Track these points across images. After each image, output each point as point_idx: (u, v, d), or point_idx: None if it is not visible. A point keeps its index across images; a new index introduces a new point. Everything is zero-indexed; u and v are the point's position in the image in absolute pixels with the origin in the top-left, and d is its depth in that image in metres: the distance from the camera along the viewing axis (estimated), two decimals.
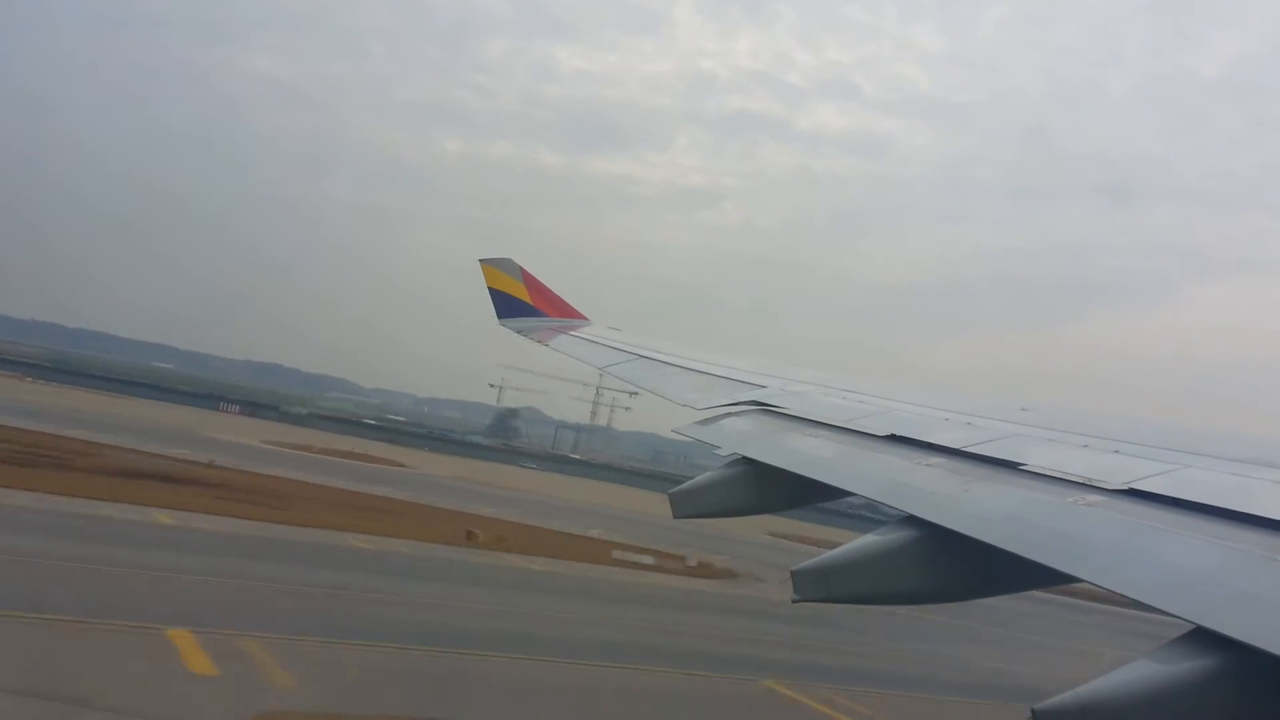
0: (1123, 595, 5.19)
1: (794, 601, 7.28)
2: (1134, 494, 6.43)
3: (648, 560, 54.48)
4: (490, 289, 21.66)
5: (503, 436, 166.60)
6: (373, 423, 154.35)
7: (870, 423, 9.72)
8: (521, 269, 21.59)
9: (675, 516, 10.32)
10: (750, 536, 71.21)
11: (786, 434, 10.22)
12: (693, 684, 30.94)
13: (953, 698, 34.47)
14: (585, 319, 21.29)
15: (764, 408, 11.25)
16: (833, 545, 7.35)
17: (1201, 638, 4.58)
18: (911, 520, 6.93)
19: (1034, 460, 7.53)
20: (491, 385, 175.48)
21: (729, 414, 11.25)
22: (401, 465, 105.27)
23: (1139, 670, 4.64)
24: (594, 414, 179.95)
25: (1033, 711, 4.59)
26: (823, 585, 6.99)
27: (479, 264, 21.85)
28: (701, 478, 10.15)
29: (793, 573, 7.06)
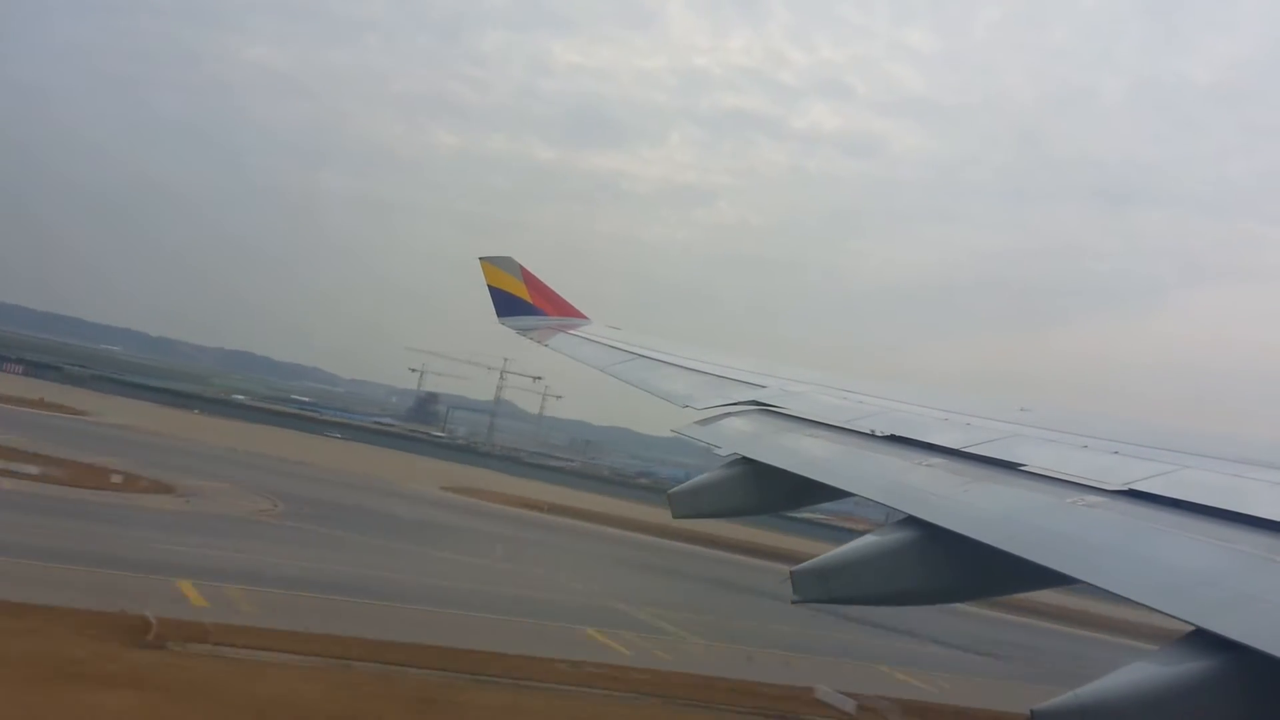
0: (1123, 596, 5.20)
1: (794, 603, 7.29)
2: (1133, 495, 6.44)
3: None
4: (490, 287, 21.63)
5: (422, 422, 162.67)
6: (240, 398, 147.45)
7: (870, 423, 9.72)
8: (522, 267, 21.57)
9: (674, 517, 10.31)
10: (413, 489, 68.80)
11: (786, 434, 10.22)
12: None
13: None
14: (585, 318, 21.27)
15: (764, 408, 11.26)
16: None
17: (1201, 639, 4.59)
18: (911, 521, 6.94)
19: (1033, 461, 7.54)
20: (412, 369, 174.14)
21: (728, 414, 11.26)
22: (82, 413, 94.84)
23: (1138, 672, 4.65)
24: (497, 394, 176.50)
25: (1031, 713, 4.59)
26: (822, 586, 7.00)
27: (479, 262, 21.84)
28: (701, 478, 10.15)
29: (792, 573, 7.06)
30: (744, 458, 9.52)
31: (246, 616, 31.12)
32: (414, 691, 25.99)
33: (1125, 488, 6.49)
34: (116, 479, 56.10)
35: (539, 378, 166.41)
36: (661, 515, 10.83)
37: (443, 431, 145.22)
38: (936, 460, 8.09)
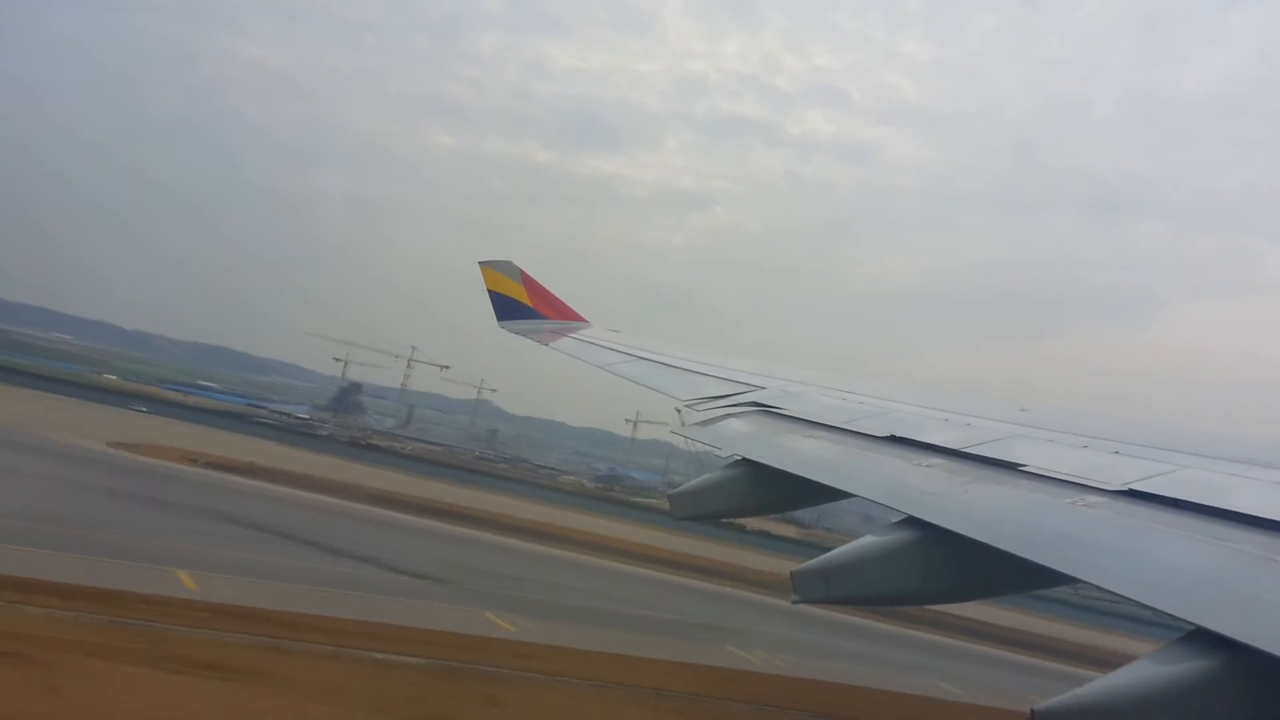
0: (1123, 597, 5.21)
1: (794, 603, 7.29)
2: (1133, 495, 6.45)
3: None
4: (490, 291, 21.67)
5: (344, 411, 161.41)
6: (111, 377, 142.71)
7: (870, 424, 9.73)
8: (521, 271, 21.60)
9: (674, 518, 10.32)
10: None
11: (786, 435, 10.23)
12: None
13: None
14: (585, 321, 21.30)
15: (764, 409, 11.27)
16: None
17: (1201, 638, 4.60)
18: (912, 521, 6.95)
19: (1033, 461, 7.55)
20: (336, 359, 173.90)
21: (728, 415, 11.27)
22: None
23: (1139, 671, 4.65)
24: (405, 381, 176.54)
25: (1032, 712, 4.60)
26: (822, 586, 7.00)
27: (479, 266, 21.88)
28: (701, 479, 10.16)
29: (792, 574, 7.07)
30: (744, 459, 9.53)
31: None
32: None
33: (1125, 488, 6.50)
34: None
35: (446, 366, 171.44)
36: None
37: (307, 415, 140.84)
38: (936, 460, 8.10)
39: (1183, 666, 4.54)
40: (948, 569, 6.75)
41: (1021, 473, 7.39)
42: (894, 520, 7.17)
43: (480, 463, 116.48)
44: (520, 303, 21.35)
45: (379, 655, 21.21)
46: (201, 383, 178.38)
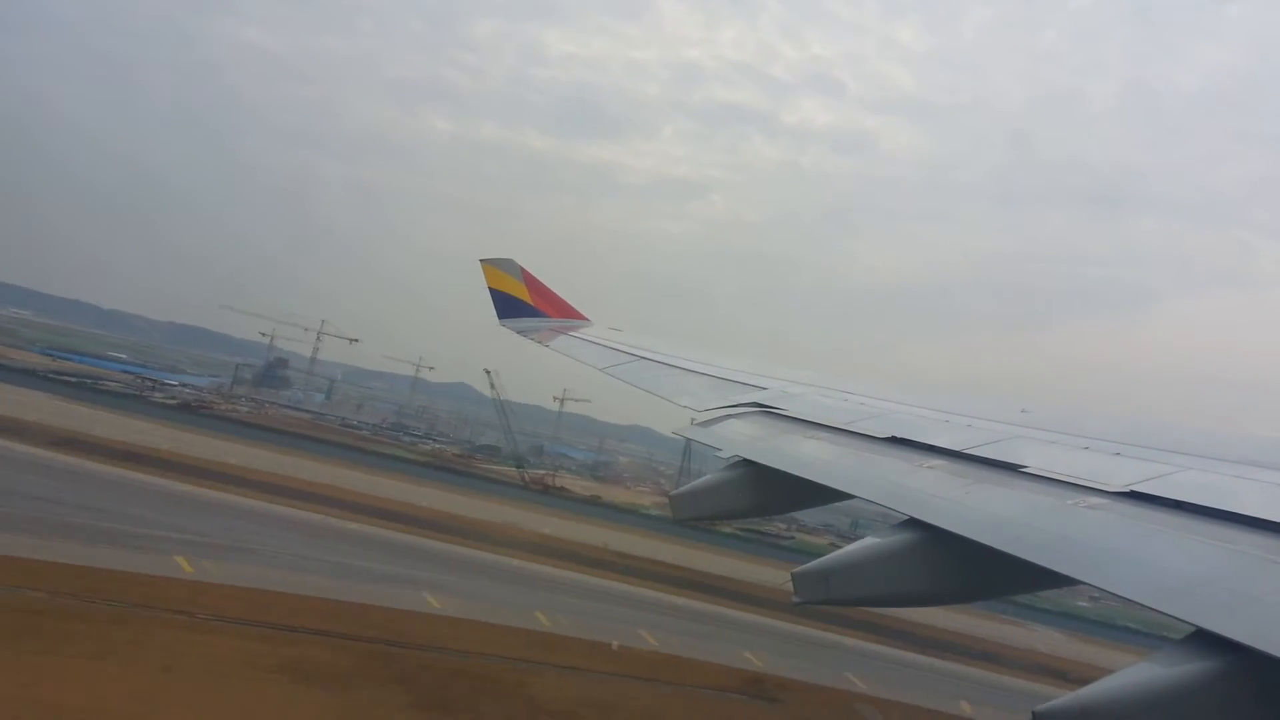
0: (1124, 598, 5.21)
1: (795, 604, 7.29)
2: (1135, 496, 6.45)
3: None
4: (491, 289, 21.66)
5: (271, 386, 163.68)
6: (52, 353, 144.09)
7: (871, 425, 9.73)
8: (522, 269, 21.60)
9: (675, 519, 10.33)
10: None
11: (787, 436, 10.23)
12: None
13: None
14: (586, 319, 21.29)
15: (765, 409, 11.27)
16: None
17: (1202, 640, 4.60)
18: (913, 523, 6.95)
19: (1035, 462, 7.55)
20: (262, 334, 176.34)
21: (729, 416, 11.27)
22: None
23: (1140, 672, 4.65)
24: (314, 352, 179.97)
25: (1033, 714, 4.60)
26: (822, 587, 7.00)
27: (480, 264, 21.87)
28: (702, 480, 10.16)
29: (793, 575, 7.07)
30: (745, 459, 9.53)
31: None
32: None
33: (1126, 489, 6.50)
34: None
35: (356, 340, 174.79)
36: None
37: (203, 387, 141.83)
38: (938, 462, 8.10)
39: (1184, 668, 4.54)
40: (949, 570, 6.75)
41: (1023, 474, 7.39)
42: (895, 522, 7.17)
43: (334, 432, 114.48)
44: (521, 301, 21.34)
45: None
46: (111, 354, 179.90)
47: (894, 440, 9.01)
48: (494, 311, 21.40)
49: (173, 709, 19.57)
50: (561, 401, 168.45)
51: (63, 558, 28.84)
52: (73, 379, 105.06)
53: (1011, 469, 7.55)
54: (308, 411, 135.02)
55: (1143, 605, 4.97)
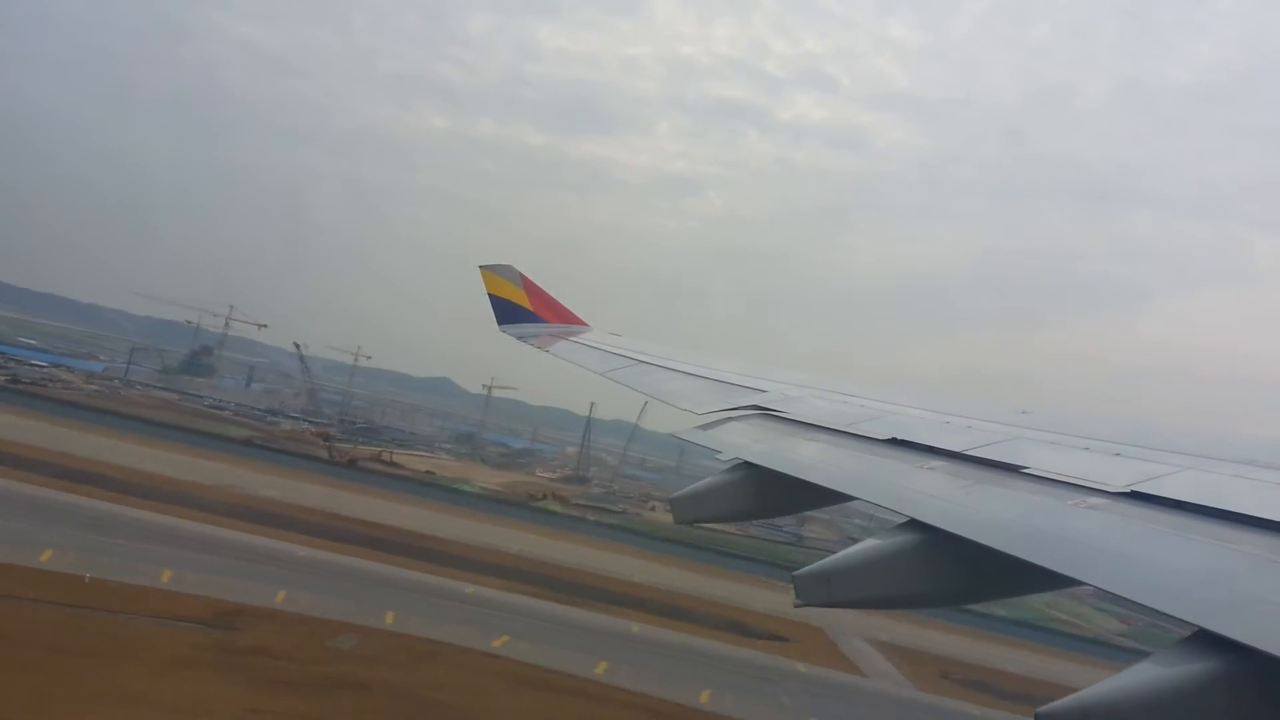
0: (1124, 598, 5.20)
1: (796, 606, 7.28)
2: (1136, 497, 6.45)
3: None
4: (490, 295, 21.67)
5: (196, 374, 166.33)
6: None
7: (871, 427, 9.74)
8: (522, 275, 21.61)
9: (676, 522, 10.31)
10: None
11: (788, 439, 10.23)
12: None
13: None
14: (585, 325, 21.30)
15: (765, 412, 11.28)
16: None
17: (1204, 640, 4.59)
18: (914, 524, 6.94)
19: (1035, 463, 7.55)
20: (188, 322, 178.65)
21: (730, 419, 11.28)
22: None
23: (1142, 673, 4.64)
24: (223, 339, 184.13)
25: (1036, 715, 4.59)
26: (823, 589, 6.99)
27: (479, 270, 21.88)
28: (703, 482, 10.15)
29: (793, 576, 7.05)
30: (745, 462, 9.52)
31: None
32: None
33: (1127, 489, 6.50)
34: None
35: (265, 325, 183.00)
36: None
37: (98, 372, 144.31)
38: (938, 463, 8.10)
39: (1186, 669, 4.53)
40: (950, 572, 6.73)
41: (1023, 475, 7.39)
42: (896, 524, 7.16)
43: (180, 413, 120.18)
44: (520, 306, 21.35)
45: None
46: (21, 340, 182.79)
47: (894, 442, 9.01)
48: (490, 310, 21.42)
49: None
50: (490, 389, 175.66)
51: None
52: None
53: (1011, 470, 7.55)
54: (177, 393, 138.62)
55: (1143, 605, 4.96)
